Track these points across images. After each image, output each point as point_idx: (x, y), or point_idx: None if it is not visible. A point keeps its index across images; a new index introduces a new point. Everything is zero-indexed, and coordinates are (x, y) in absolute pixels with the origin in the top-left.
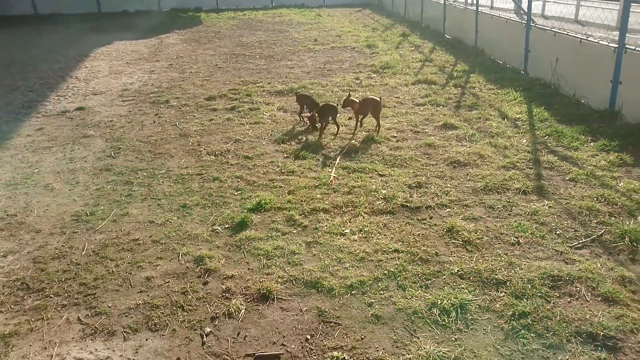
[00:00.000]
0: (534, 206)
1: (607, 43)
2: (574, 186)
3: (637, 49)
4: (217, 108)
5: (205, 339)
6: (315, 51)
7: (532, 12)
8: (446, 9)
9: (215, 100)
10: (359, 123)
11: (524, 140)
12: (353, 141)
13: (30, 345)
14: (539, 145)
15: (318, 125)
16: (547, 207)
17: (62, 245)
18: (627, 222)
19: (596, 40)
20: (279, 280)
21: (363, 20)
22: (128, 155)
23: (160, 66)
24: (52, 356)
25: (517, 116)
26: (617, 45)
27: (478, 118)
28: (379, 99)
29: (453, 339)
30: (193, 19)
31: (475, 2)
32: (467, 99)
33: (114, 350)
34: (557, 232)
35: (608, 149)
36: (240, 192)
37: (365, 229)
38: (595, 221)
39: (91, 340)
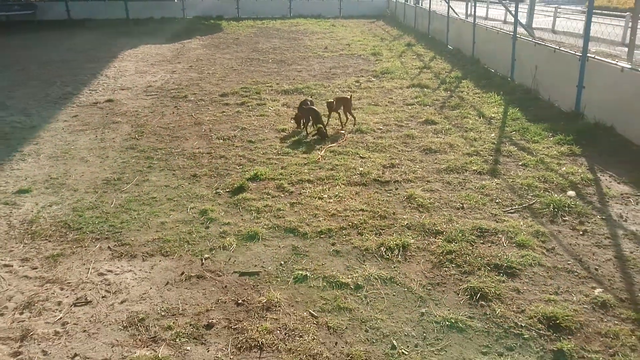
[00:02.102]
0: (483, 182)
1: (573, 52)
2: (524, 169)
3: (596, 57)
4: (228, 103)
5: (204, 261)
6: (324, 57)
7: (541, 27)
8: (449, 21)
9: (227, 97)
10: (343, 118)
11: (493, 135)
12: (342, 131)
13: (73, 262)
14: (505, 138)
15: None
16: (494, 184)
17: (95, 200)
18: (557, 195)
19: (566, 50)
20: (265, 226)
21: (374, 31)
22: (150, 138)
23: (181, 67)
24: (89, 269)
25: (493, 115)
26: (581, 54)
27: (457, 116)
28: (348, 97)
29: (392, 267)
30: (214, 26)
31: (473, 14)
32: (453, 101)
33: (135, 267)
34: (497, 201)
35: (563, 143)
36: (241, 166)
37: (340, 195)
38: (531, 194)
39: (118, 260)
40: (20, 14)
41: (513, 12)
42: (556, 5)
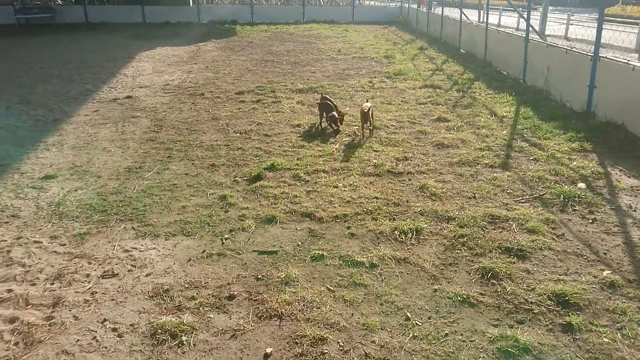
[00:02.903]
0: (495, 174)
1: (585, 53)
2: (535, 163)
3: (608, 57)
4: (244, 100)
5: (224, 241)
6: (338, 60)
7: (555, 34)
8: (462, 25)
9: (243, 95)
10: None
11: (504, 132)
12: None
13: (99, 240)
14: (516, 135)
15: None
16: (505, 176)
17: (118, 186)
18: (567, 187)
19: (578, 51)
20: (282, 211)
21: (387, 36)
22: (169, 131)
23: (197, 68)
24: (114, 246)
25: (505, 114)
26: (592, 54)
27: (469, 114)
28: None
29: (406, 248)
30: (229, 30)
31: (485, 19)
32: (465, 101)
33: (158, 245)
34: (508, 192)
35: (574, 140)
36: (258, 157)
37: (355, 184)
38: (542, 186)
39: (142, 239)
40: (40, 17)
41: (525, 16)
42: (569, 13)
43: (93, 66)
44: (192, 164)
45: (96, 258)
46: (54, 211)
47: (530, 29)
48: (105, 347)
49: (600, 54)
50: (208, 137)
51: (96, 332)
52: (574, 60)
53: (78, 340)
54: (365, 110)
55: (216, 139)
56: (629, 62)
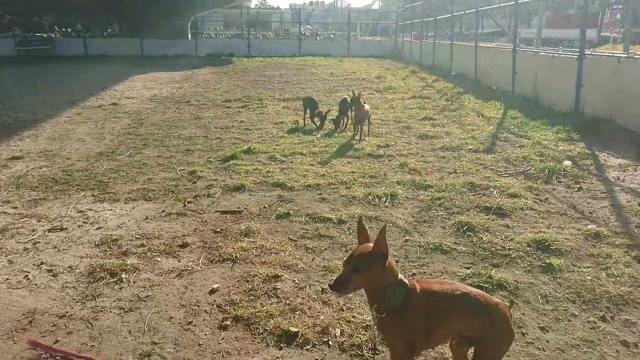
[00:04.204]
0: (478, 156)
1: (571, 54)
2: (520, 149)
3: (593, 53)
4: (230, 106)
5: (186, 204)
6: (329, 80)
7: (528, 39)
8: (452, 47)
9: (230, 102)
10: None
11: (491, 128)
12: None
13: (54, 204)
14: (502, 130)
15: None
16: (490, 157)
17: (86, 166)
18: (552, 163)
19: (564, 54)
20: (253, 182)
21: (380, 64)
22: (149, 127)
23: (188, 85)
24: (69, 208)
25: (492, 115)
26: (578, 54)
27: (457, 115)
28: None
29: (379, 211)
30: (225, 61)
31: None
32: (453, 106)
33: (116, 208)
34: (491, 168)
35: (561, 132)
36: (235, 145)
37: (332, 163)
38: (527, 164)
39: (100, 203)
40: (39, 49)
41: (512, 29)
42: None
43: (85, 84)
44: (167, 149)
45: (47, 217)
46: (13, 182)
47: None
48: (35, 284)
49: (585, 51)
50: (187, 132)
51: (29, 272)
52: (561, 64)
53: (7, 279)
54: (364, 109)
55: (196, 132)
56: (614, 55)
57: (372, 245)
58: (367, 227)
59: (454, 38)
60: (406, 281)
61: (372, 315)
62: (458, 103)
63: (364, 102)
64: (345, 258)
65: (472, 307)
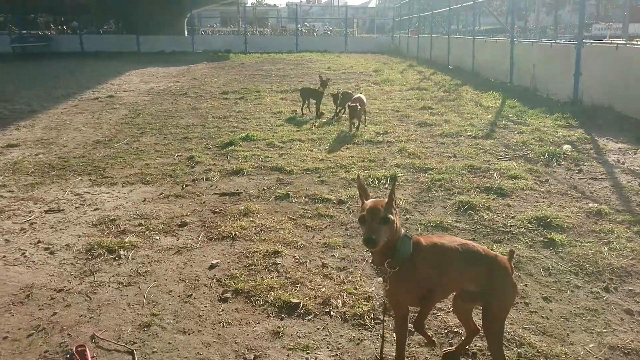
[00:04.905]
0: (477, 142)
1: (569, 42)
2: (519, 136)
3: (591, 41)
4: (228, 97)
5: (184, 187)
6: (327, 74)
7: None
8: (450, 41)
9: (227, 94)
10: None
11: (490, 116)
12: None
13: (50, 188)
14: (501, 118)
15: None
16: (489, 142)
17: (83, 153)
18: (552, 147)
19: (562, 42)
20: (251, 166)
21: (377, 59)
22: (146, 117)
23: (185, 79)
24: (66, 192)
25: (490, 105)
26: (576, 42)
27: (455, 105)
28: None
29: (378, 192)
30: (222, 57)
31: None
32: (451, 97)
33: (113, 191)
34: (491, 153)
35: (560, 119)
36: (234, 132)
37: (330, 148)
38: (526, 148)
39: (97, 187)
40: (35, 46)
41: (510, 21)
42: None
43: (81, 79)
44: (164, 137)
45: (44, 200)
46: (9, 168)
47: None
48: (33, 262)
49: (584, 40)
50: (185, 121)
51: (26, 250)
52: (559, 53)
53: (4, 256)
54: (355, 104)
55: (193, 122)
56: (613, 42)
57: (383, 199)
58: (365, 185)
59: (451, 32)
60: (410, 235)
61: (382, 273)
62: (456, 94)
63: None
64: (360, 215)
65: (472, 258)
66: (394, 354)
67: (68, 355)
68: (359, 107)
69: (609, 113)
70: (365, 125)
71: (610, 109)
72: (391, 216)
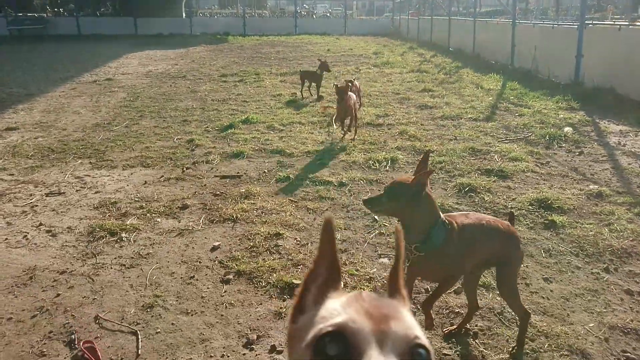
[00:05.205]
0: (477, 124)
1: (572, 24)
2: (520, 118)
3: (594, 22)
4: (227, 80)
5: (185, 170)
6: (326, 57)
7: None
8: (451, 23)
9: (226, 77)
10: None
11: (490, 98)
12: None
13: (51, 171)
14: (502, 100)
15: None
16: (489, 125)
17: (82, 136)
18: (553, 130)
19: (564, 24)
20: (251, 149)
21: (377, 42)
22: (144, 100)
23: (183, 62)
24: (66, 175)
25: (491, 87)
26: (578, 24)
27: (455, 87)
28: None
29: (379, 174)
30: (220, 39)
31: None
32: (452, 79)
33: (114, 174)
34: (491, 135)
35: (561, 101)
36: (233, 115)
37: (331, 131)
38: (527, 131)
39: (97, 170)
40: (31, 28)
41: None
42: None
43: (78, 62)
44: (164, 120)
45: (44, 183)
46: (9, 151)
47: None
48: (35, 244)
49: (586, 21)
50: (184, 104)
51: (28, 233)
52: (561, 34)
53: (6, 239)
54: (349, 103)
55: (192, 105)
56: (615, 23)
57: (412, 178)
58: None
59: (452, 14)
60: (447, 221)
61: (408, 255)
62: (457, 76)
63: (357, 90)
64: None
65: (494, 234)
66: None
67: (77, 353)
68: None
69: (611, 94)
70: (353, 136)
71: (612, 90)
72: (393, 196)
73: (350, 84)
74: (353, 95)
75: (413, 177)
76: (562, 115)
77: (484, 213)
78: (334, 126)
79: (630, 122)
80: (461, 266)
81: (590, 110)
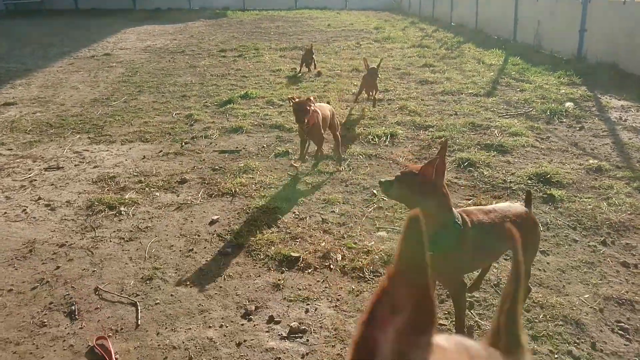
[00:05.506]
0: (478, 99)
1: None
2: (521, 93)
3: None
4: (226, 56)
5: (184, 145)
6: (326, 31)
7: None
8: None
9: (225, 52)
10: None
11: (492, 74)
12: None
13: (49, 146)
14: (504, 75)
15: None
16: (490, 100)
17: (80, 111)
18: (552, 105)
19: None
20: (251, 124)
21: (379, 17)
22: (143, 75)
23: (182, 37)
24: (65, 150)
25: (493, 62)
26: None
27: (457, 62)
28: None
29: (379, 149)
30: (219, 14)
31: None
32: (453, 54)
33: (112, 149)
34: (492, 110)
35: (563, 76)
36: (232, 90)
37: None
38: (528, 106)
39: (96, 144)
40: (28, 3)
41: None
42: None
43: (76, 37)
44: (163, 95)
45: (43, 158)
46: (7, 127)
47: None
48: (34, 218)
49: None
50: (183, 79)
51: (27, 207)
52: (564, 9)
53: (5, 213)
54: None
55: (191, 80)
56: None
57: (420, 167)
58: None
59: None
60: (460, 221)
61: None
62: (458, 51)
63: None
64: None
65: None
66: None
67: (89, 347)
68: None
69: (613, 70)
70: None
71: (615, 65)
72: (403, 180)
73: (310, 101)
74: (320, 112)
75: (421, 166)
76: (563, 91)
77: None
78: (296, 165)
79: (632, 97)
80: (471, 268)
81: (592, 86)
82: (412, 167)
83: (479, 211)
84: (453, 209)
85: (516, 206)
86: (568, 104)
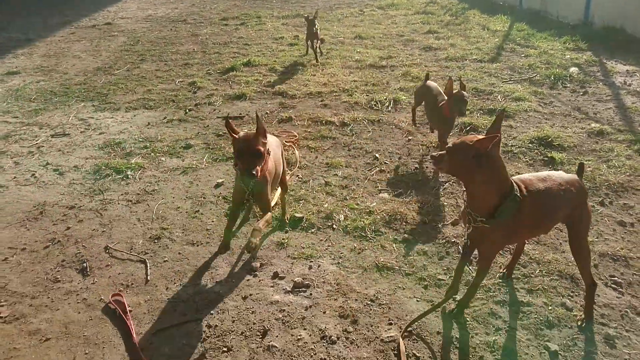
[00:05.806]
0: (482, 65)
1: None
2: (526, 59)
3: None
4: (228, 24)
5: (187, 112)
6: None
7: None
8: None
9: (227, 20)
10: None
11: (496, 40)
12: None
13: (54, 114)
14: (509, 41)
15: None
16: (494, 66)
17: (84, 80)
18: (558, 70)
19: None
20: (253, 91)
21: None
22: (145, 45)
23: (183, 6)
24: (70, 117)
25: (498, 28)
26: None
27: (461, 29)
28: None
29: (380, 115)
30: None
31: None
32: (458, 21)
33: (117, 116)
34: (496, 76)
35: (569, 42)
36: (235, 58)
37: (333, 72)
38: (532, 71)
39: (101, 112)
40: None
41: None
42: None
43: (76, 6)
44: (165, 64)
45: (49, 125)
46: (12, 95)
47: None
48: (43, 182)
49: None
50: (185, 48)
51: (36, 172)
52: None
53: (15, 177)
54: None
55: (193, 48)
56: None
57: (477, 138)
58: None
59: None
60: (519, 193)
61: (470, 220)
62: (463, 18)
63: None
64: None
65: (568, 197)
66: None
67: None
68: None
69: (620, 34)
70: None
71: (622, 30)
72: (453, 152)
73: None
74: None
75: (477, 138)
76: (568, 56)
77: None
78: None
79: (638, 61)
80: (519, 239)
81: (598, 51)
82: (464, 139)
83: (535, 178)
84: (510, 181)
85: (569, 175)
86: (573, 69)
